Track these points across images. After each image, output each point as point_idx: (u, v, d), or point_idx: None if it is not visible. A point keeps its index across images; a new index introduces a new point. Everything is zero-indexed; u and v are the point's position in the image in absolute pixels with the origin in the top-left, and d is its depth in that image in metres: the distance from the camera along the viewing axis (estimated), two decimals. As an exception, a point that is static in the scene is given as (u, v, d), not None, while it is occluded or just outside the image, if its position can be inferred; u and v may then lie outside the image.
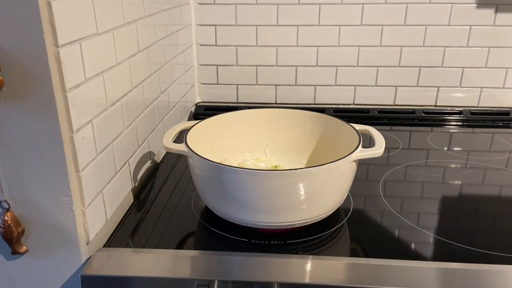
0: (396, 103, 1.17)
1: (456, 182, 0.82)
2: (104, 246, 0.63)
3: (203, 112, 1.16)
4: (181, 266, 0.58)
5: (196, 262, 0.59)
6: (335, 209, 0.67)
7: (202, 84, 1.19)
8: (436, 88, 1.15)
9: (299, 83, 1.16)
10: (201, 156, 0.62)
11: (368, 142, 0.72)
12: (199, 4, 1.11)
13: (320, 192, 0.62)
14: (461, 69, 1.12)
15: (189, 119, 1.13)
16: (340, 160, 0.61)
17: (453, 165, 0.89)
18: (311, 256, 0.60)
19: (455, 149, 0.96)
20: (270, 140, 0.83)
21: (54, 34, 0.49)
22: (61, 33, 0.50)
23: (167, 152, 0.93)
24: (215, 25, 1.13)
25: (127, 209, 0.73)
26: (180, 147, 0.66)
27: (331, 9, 1.09)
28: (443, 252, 0.61)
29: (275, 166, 0.80)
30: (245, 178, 0.60)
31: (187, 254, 0.60)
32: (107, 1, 0.62)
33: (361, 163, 0.68)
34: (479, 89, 1.14)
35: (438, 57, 1.12)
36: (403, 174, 0.85)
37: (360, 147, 0.64)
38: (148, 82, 0.80)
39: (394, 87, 1.15)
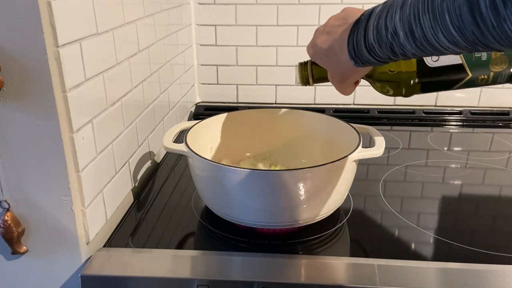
0: (396, 103, 1.17)
1: (456, 182, 0.82)
2: (104, 246, 0.63)
3: (203, 112, 1.16)
4: (181, 266, 0.58)
5: (196, 262, 0.59)
6: (335, 209, 0.67)
7: (202, 84, 1.19)
8: (436, 88, 1.15)
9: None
10: (201, 156, 0.62)
11: (368, 142, 0.72)
12: (199, 4, 1.11)
13: (320, 192, 0.62)
14: (461, 69, 1.12)
15: (189, 119, 1.13)
16: (340, 160, 0.61)
17: (453, 165, 0.89)
18: (311, 256, 0.60)
19: (455, 149, 0.96)
20: (270, 140, 0.83)
21: (54, 34, 0.49)
22: (61, 33, 0.50)
23: (167, 152, 0.93)
24: (215, 25, 1.13)
25: (127, 209, 0.73)
26: (180, 147, 0.66)
27: (331, 9, 1.08)
28: (443, 252, 0.61)
29: (275, 166, 0.80)
30: (245, 178, 0.60)
31: (187, 254, 0.60)
32: (107, 1, 0.62)
33: (361, 163, 0.68)
34: (479, 89, 1.14)
35: (438, 57, 1.11)
36: (403, 174, 0.85)
37: (360, 147, 0.64)
38: (148, 82, 0.80)
39: (394, 87, 1.15)
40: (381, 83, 0.56)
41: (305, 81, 0.61)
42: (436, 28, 0.37)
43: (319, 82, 0.60)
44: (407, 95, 0.55)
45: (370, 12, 0.46)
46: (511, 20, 0.31)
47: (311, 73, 0.60)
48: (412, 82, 0.54)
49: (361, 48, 0.46)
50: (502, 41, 0.33)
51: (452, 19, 0.35)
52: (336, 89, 0.55)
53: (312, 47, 0.55)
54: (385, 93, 0.57)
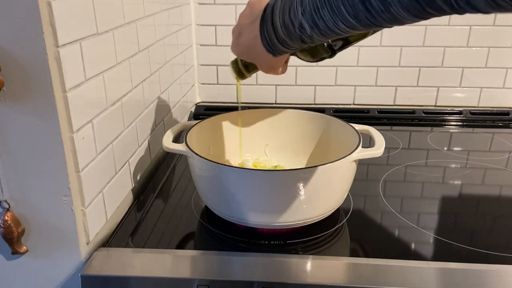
0: (396, 103, 1.17)
1: (456, 182, 0.82)
2: (104, 246, 0.63)
3: (203, 112, 1.16)
4: (181, 266, 0.58)
5: (196, 262, 0.59)
6: (335, 209, 0.67)
7: (202, 84, 1.19)
8: (436, 88, 1.15)
9: (299, 83, 1.16)
10: (201, 156, 0.62)
11: (368, 142, 0.72)
12: (199, 4, 1.11)
13: (320, 192, 0.62)
14: (461, 69, 1.12)
15: (189, 119, 1.13)
16: (340, 160, 0.61)
17: (453, 165, 0.89)
18: (311, 256, 0.60)
19: (455, 149, 0.96)
20: (270, 140, 0.83)
21: (54, 34, 0.49)
22: (61, 33, 0.50)
23: (167, 152, 0.93)
24: (215, 25, 1.13)
25: (127, 209, 0.73)
26: (180, 147, 0.66)
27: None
28: (443, 252, 0.61)
29: (275, 166, 0.80)
30: (245, 178, 0.60)
31: (187, 254, 0.60)
32: (107, 1, 0.62)
33: (361, 163, 0.68)
34: (479, 89, 1.14)
35: (438, 57, 1.12)
36: (403, 174, 0.85)
37: (360, 147, 0.64)
38: (148, 82, 0.80)
39: (394, 87, 1.15)
40: (306, 53, 0.58)
41: (241, 76, 0.66)
42: (336, 18, 0.41)
43: (254, 73, 0.65)
44: (332, 55, 0.58)
45: (272, 7, 0.49)
46: (395, 4, 0.37)
47: (244, 68, 0.64)
48: (329, 43, 0.56)
49: (274, 43, 0.50)
50: (391, 21, 0.39)
51: (348, 9, 0.40)
52: (271, 74, 0.59)
53: (234, 48, 0.59)
54: (313, 60, 0.60)
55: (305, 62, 0.61)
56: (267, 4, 0.51)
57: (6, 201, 0.56)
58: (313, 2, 0.43)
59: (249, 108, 0.89)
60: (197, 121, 0.75)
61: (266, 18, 0.50)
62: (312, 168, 0.60)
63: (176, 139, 0.71)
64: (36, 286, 0.61)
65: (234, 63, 0.65)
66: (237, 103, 1.20)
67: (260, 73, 1.16)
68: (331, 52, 0.57)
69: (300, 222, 0.63)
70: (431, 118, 1.13)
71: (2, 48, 0.48)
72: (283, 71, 0.59)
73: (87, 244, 0.60)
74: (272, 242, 0.63)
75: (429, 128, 1.09)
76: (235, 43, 0.58)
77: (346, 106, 1.17)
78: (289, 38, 0.48)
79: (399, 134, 1.03)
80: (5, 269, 0.60)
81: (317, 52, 0.57)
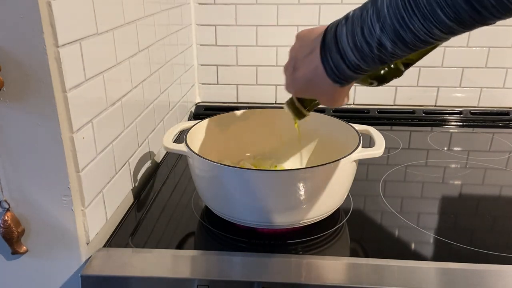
0: (396, 103, 1.17)
1: (456, 182, 0.82)
2: (104, 246, 0.63)
3: (203, 112, 1.16)
4: (181, 266, 0.58)
5: (196, 262, 0.59)
6: (335, 209, 0.67)
7: (202, 84, 1.19)
8: (436, 88, 1.15)
9: (299, 83, 1.16)
10: (201, 156, 0.62)
11: (368, 142, 0.72)
12: (199, 4, 1.11)
13: (320, 192, 0.62)
14: (461, 69, 1.12)
15: (189, 119, 1.13)
16: (340, 160, 0.61)
17: (453, 165, 0.89)
18: (311, 256, 0.60)
19: (455, 149, 0.96)
20: (270, 140, 0.83)
21: (54, 34, 0.49)
22: (61, 33, 0.50)
23: (167, 152, 0.93)
24: (215, 25, 1.13)
25: (127, 209, 0.73)
26: (180, 147, 0.66)
27: (331, 9, 1.09)
28: (443, 252, 0.61)
29: (275, 166, 0.80)
30: (245, 178, 0.60)
31: (187, 254, 0.60)
32: (107, 1, 0.62)
33: (361, 163, 0.68)
34: (479, 89, 1.14)
35: (438, 57, 1.12)
36: (403, 174, 0.85)
37: (360, 147, 0.64)
38: (148, 82, 0.80)
39: (394, 87, 1.15)
40: (370, 80, 0.55)
41: (300, 116, 0.60)
42: (429, 26, 0.37)
43: (313, 109, 0.60)
44: (399, 76, 0.55)
45: (334, 32, 0.45)
46: None
47: (302, 107, 0.59)
48: (398, 65, 0.53)
49: (343, 71, 0.45)
50: (501, 15, 0.35)
51: (447, 13, 0.36)
52: (334, 107, 0.53)
53: (291, 87, 0.53)
54: (378, 85, 0.56)
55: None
56: (325, 31, 0.46)
57: (6, 201, 0.56)
58: (396, 14, 0.38)
59: (249, 108, 0.89)
60: (197, 121, 0.75)
61: (328, 45, 0.45)
62: (312, 168, 0.60)
63: (176, 139, 0.71)
64: (36, 286, 0.61)
65: (290, 103, 0.59)
66: (237, 102, 1.19)
67: (260, 72, 1.17)
68: (411, 63, 0.53)
69: (300, 222, 0.63)
70: (431, 118, 1.13)
71: (2, 48, 0.48)
72: (347, 101, 0.53)
73: (87, 244, 0.60)
74: (272, 242, 0.63)
75: (429, 128, 1.08)
76: (291, 80, 0.52)
77: (346, 106, 1.17)
78: (364, 61, 0.43)
79: (399, 134, 1.03)
80: (5, 269, 0.60)
81: (387, 75, 0.53)
